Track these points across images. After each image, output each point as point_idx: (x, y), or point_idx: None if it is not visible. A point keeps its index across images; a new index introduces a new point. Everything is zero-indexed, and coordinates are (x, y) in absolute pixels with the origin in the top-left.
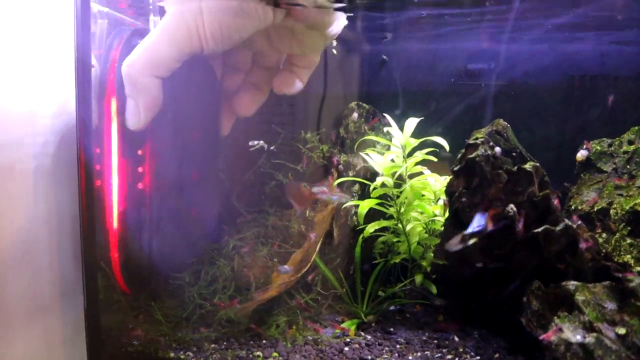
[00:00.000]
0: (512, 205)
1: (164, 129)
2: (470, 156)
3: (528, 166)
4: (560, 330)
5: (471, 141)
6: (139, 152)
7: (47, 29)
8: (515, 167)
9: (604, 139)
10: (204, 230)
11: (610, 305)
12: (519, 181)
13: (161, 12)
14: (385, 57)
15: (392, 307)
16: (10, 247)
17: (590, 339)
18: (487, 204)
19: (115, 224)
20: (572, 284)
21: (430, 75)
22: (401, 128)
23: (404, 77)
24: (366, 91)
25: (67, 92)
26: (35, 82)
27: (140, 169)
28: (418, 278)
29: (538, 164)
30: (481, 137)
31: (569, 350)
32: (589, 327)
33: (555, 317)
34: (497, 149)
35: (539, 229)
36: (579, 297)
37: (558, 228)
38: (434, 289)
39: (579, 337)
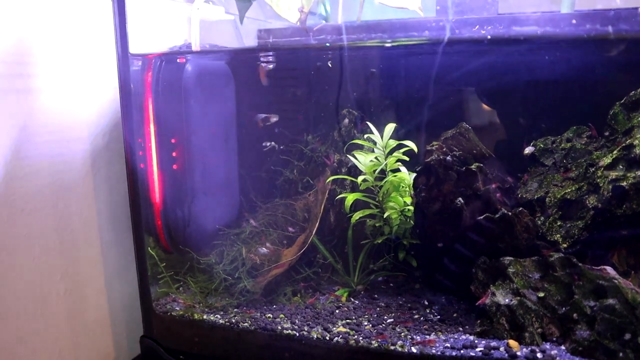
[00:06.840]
0: (460, 198)
1: (191, 125)
2: (427, 160)
3: (473, 167)
4: (493, 294)
5: (428, 148)
6: (172, 140)
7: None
8: (464, 168)
9: (549, 137)
10: (228, 207)
11: (535, 276)
12: (467, 179)
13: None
14: (373, 70)
15: (380, 278)
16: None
17: (514, 301)
18: (442, 197)
19: (157, 197)
20: (507, 259)
21: (408, 84)
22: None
23: (389, 88)
24: (359, 99)
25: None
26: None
27: (173, 154)
28: (401, 254)
29: (481, 165)
30: (436, 144)
31: (499, 310)
32: (516, 293)
33: (492, 286)
34: (448, 158)
35: (481, 217)
36: (511, 270)
37: (497, 216)
38: (414, 263)
39: (507, 300)
